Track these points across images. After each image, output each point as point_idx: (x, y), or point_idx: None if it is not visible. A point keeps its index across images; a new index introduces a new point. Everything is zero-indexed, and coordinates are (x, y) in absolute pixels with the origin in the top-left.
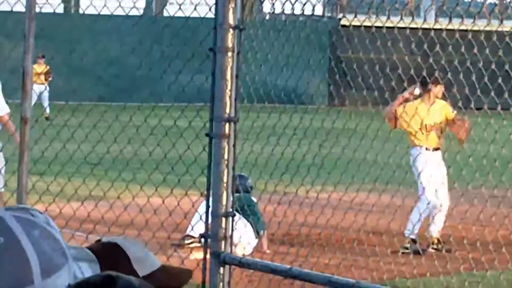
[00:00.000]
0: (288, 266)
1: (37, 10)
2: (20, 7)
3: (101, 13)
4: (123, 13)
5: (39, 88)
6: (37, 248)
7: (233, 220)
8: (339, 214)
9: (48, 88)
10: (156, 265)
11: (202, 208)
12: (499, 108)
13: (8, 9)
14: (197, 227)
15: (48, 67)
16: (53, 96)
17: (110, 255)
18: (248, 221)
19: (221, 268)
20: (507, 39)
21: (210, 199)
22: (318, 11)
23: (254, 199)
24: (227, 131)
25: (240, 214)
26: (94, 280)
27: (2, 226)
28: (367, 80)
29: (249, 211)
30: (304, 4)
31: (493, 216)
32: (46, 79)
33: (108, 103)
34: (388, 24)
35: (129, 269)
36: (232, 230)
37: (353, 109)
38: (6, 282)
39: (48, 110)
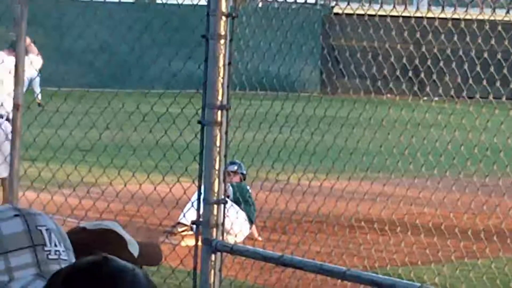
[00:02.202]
0: (280, 254)
1: None
2: None
3: None
4: (115, 0)
5: (30, 74)
6: None
7: (224, 208)
8: (331, 202)
9: (39, 74)
10: (136, 245)
11: (195, 196)
12: (491, 97)
13: None
14: (189, 215)
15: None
16: (45, 82)
17: (108, 241)
18: (240, 208)
19: (213, 255)
20: (499, 28)
21: (202, 186)
22: None
23: (248, 187)
24: (219, 118)
25: (232, 201)
26: (82, 263)
27: None
28: (360, 68)
29: (241, 199)
30: None
31: (484, 204)
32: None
33: (100, 89)
34: (381, 13)
35: (127, 253)
36: (224, 217)
37: (345, 97)
38: None
39: (40, 96)
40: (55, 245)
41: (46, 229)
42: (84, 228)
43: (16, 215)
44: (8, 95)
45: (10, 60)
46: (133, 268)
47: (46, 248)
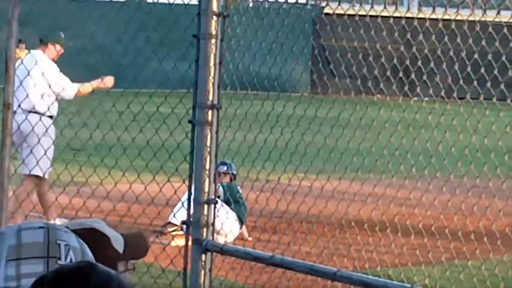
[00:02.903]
0: (270, 254)
1: None
2: None
3: None
4: None
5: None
6: None
7: (215, 208)
8: (321, 203)
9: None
10: (121, 239)
11: (185, 196)
12: (481, 98)
13: None
14: (179, 215)
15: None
16: None
17: (92, 241)
18: (231, 208)
19: (203, 255)
20: (490, 29)
21: (193, 186)
22: None
23: (238, 187)
24: (210, 118)
25: (222, 201)
26: (68, 270)
27: None
28: (350, 68)
29: (231, 199)
30: None
31: (474, 206)
32: None
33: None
34: (372, 13)
35: (112, 250)
36: (214, 217)
37: (336, 97)
38: None
39: None
40: (70, 261)
41: (66, 245)
42: (66, 228)
43: (41, 227)
44: (41, 96)
45: (44, 60)
46: (118, 276)
47: (59, 262)
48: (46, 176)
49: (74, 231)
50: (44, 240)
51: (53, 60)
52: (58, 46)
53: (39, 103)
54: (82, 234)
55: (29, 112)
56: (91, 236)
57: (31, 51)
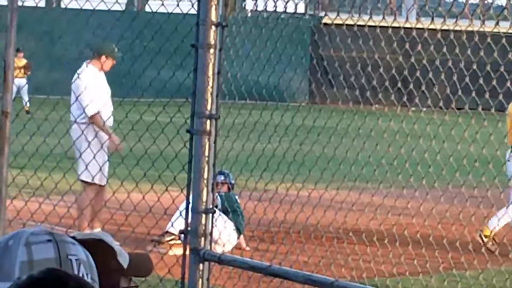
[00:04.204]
0: (268, 264)
1: (20, 3)
2: (2, 0)
3: (83, 7)
4: (105, 8)
5: (18, 82)
6: None
7: (213, 217)
8: (319, 212)
9: (27, 82)
10: (126, 255)
11: (183, 205)
12: (480, 108)
13: None
14: (177, 224)
15: (26, 61)
16: (34, 90)
17: (99, 252)
18: (229, 218)
19: (201, 265)
20: (488, 39)
21: (191, 195)
22: (301, 9)
23: (236, 196)
24: (208, 127)
25: (220, 211)
26: (40, 276)
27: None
28: (348, 78)
29: (229, 209)
30: (287, 2)
31: (472, 216)
32: (25, 73)
33: None
34: (370, 23)
35: (116, 263)
36: (212, 227)
37: (334, 107)
38: None
39: (28, 104)
40: (82, 276)
41: (76, 259)
42: (74, 238)
43: (49, 240)
44: (103, 105)
45: (86, 73)
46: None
47: None
48: (96, 181)
49: (82, 240)
50: (55, 255)
51: (104, 71)
52: (110, 59)
53: (80, 113)
54: (89, 244)
55: (75, 121)
56: (98, 247)
57: (84, 63)
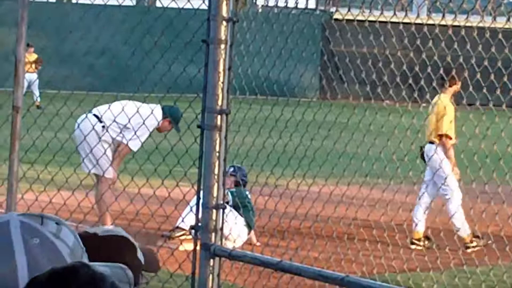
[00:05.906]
0: (278, 259)
1: None
2: None
3: (94, 2)
4: (116, 3)
5: (29, 77)
6: (30, 256)
7: (223, 212)
8: (330, 208)
9: (37, 76)
10: (140, 251)
11: (194, 201)
12: (491, 104)
13: None
14: (188, 219)
15: (37, 55)
16: (44, 85)
17: (122, 248)
18: (239, 213)
19: (211, 260)
20: (500, 36)
21: (201, 190)
22: (312, 4)
23: (247, 192)
24: (219, 122)
25: (231, 206)
26: (63, 268)
27: (3, 230)
28: (359, 74)
29: (240, 204)
30: None
31: (483, 212)
32: (36, 68)
33: (99, 92)
34: (381, 19)
35: (138, 260)
36: (223, 222)
37: (345, 102)
38: None
39: (39, 99)
40: None
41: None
42: (95, 234)
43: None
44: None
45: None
46: (106, 276)
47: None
48: (106, 175)
49: (103, 237)
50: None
51: (158, 130)
52: (170, 126)
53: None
54: (112, 240)
55: (102, 126)
56: (121, 244)
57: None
